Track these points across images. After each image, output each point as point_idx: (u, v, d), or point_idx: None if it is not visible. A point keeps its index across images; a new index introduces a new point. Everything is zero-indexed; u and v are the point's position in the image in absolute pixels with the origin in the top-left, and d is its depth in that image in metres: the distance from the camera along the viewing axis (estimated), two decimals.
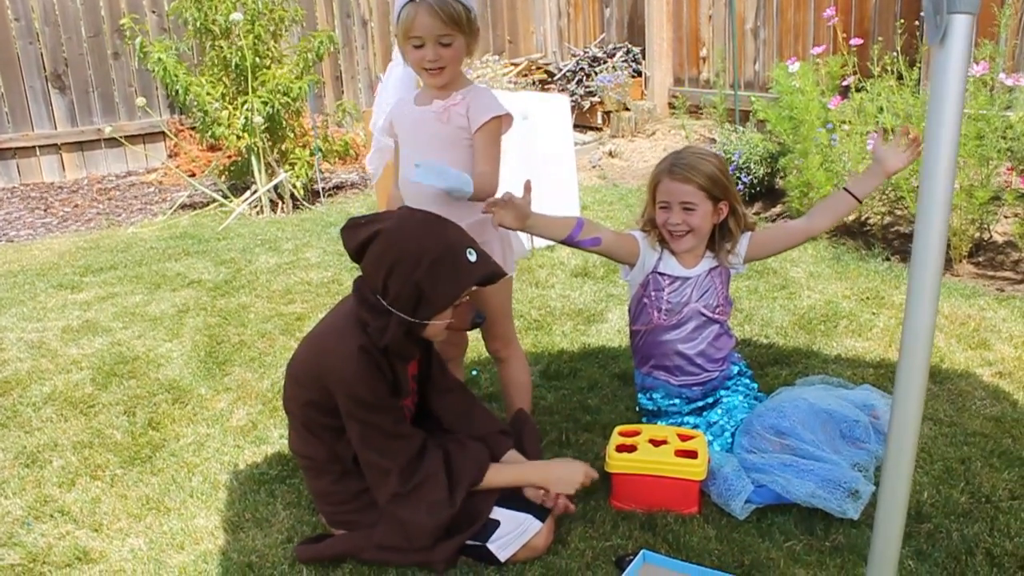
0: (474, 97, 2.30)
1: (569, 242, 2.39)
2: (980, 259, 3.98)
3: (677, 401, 2.56)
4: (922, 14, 1.35)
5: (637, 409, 2.68)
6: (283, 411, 2.88)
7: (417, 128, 2.36)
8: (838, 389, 2.66)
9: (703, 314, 2.51)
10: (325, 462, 2.10)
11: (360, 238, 1.99)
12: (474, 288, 2.07)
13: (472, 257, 1.99)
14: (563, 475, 2.13)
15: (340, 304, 2.14)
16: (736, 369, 2.61)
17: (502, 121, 2.31)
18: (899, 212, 4.37)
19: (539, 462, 2.22)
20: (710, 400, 2.55)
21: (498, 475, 2.10)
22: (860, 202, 2.51)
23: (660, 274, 2.51)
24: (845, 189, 2.50)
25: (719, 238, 2.51)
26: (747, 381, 2.62)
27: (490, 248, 2.31)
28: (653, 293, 2.52)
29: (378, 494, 2.03)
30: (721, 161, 2.48)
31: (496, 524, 2.04)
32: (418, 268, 1.93)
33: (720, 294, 2.54)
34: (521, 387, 2.57)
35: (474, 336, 3.45)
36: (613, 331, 3.46)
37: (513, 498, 2.10)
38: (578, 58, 7.48)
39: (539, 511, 2.08)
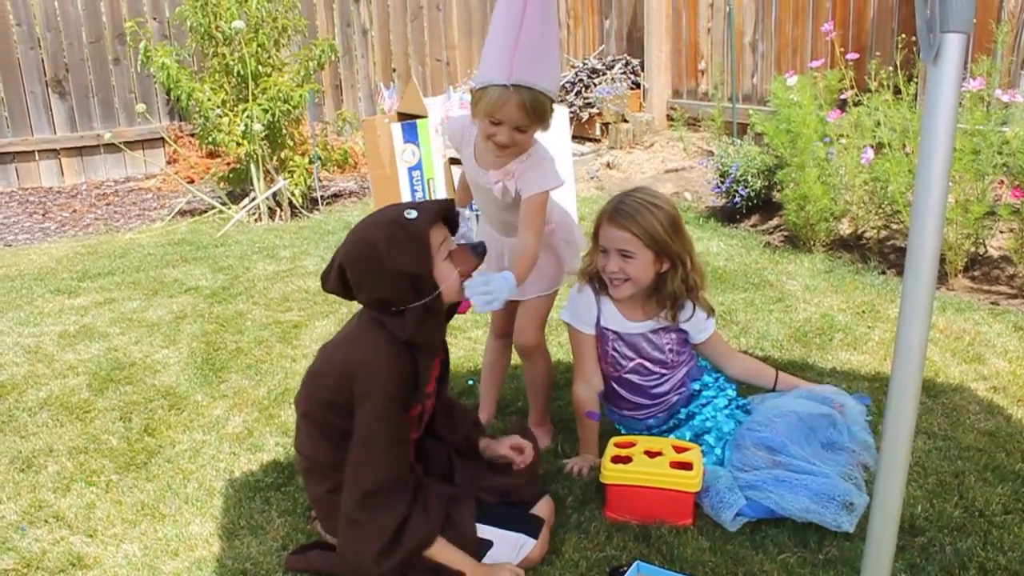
0: (527, 169, 2.35)
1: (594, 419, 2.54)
2: (976, 273, 4.00)
3: (647, 428, 2.60)
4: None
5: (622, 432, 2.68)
6: (279, 419, 2.90)
7: (476, 182, 2.49)
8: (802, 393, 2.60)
9: (650, 368, 2.52)
10: (327, 468, 2.05)
11: (334, 278, 2.02)
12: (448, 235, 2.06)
13: (412, 214, 1.96)
14: None
15: (355, 316, 2.14)
16: (697, 385, 2.58)
17: (549, 193, 2.37)
18: (895, 226, 4.39)
19: (478, 565, 2.01)
20: (676, 420, 2.56)
21: (441, 552, 1.97)
22: (773, 388, 2.61)
23: (605, 329, 2.51)
24: (778, 371, 2.64)
25: (658, 291, 2.44)
26: (715, 392, 2.58)
27: (543, 260, 2.46)
28: (599, 346, 2.53)
29: (343, 499, 1.96)
30: (668, 213, 2.36)
31: (489, 544, 2.02)
32: (381, 260, 1.91)
33: (669, 351, 2.51)
34: (534, 383, 2.71)
35: (471, 346, 3.46)
36: None
37: (506, 518, 2.08)
38: (577, 69, 7.50)
39: (532, 528, 2.08)
